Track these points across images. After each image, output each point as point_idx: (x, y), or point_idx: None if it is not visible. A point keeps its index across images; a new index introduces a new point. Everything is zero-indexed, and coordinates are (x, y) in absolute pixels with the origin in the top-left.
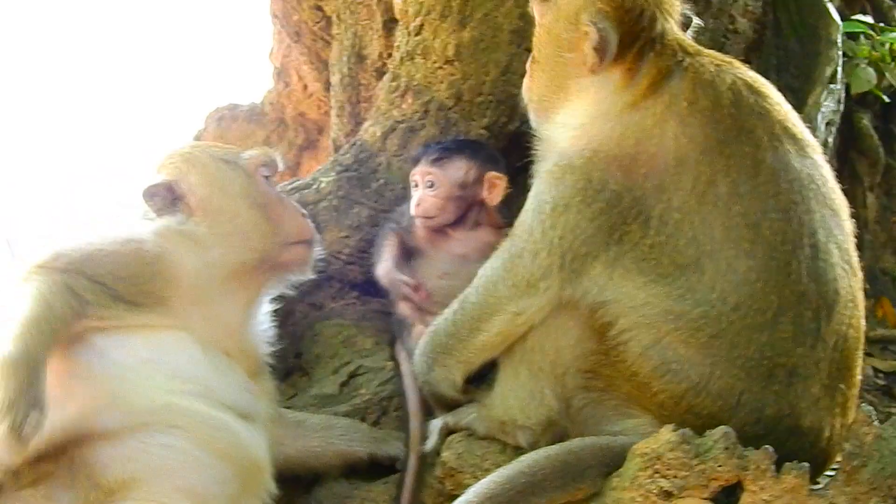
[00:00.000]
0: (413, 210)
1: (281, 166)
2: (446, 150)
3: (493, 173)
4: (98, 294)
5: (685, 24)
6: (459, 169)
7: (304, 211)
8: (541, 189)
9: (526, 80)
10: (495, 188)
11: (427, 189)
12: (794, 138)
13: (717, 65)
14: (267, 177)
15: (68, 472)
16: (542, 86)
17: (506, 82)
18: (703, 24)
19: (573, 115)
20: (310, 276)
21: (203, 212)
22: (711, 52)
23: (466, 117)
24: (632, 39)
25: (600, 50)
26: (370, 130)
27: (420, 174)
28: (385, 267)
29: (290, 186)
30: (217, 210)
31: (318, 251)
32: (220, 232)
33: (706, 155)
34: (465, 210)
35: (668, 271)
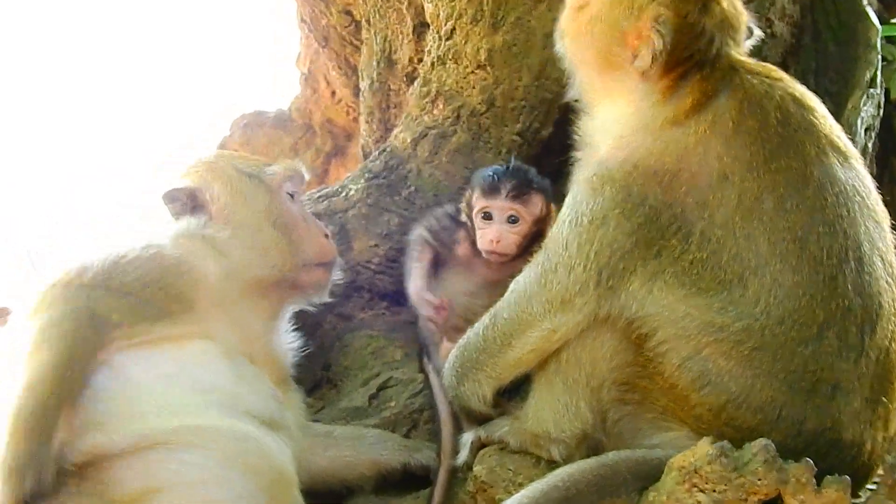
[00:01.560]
0: (488, 245)
1: (307, 178)
2: (527, 184)
3: (554, 206)
4: (125, 311)
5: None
6: (537, 205)
7: (328, 231)
8: (578, 200)
9: (573, 16)
10: (552, 220)
11: (507, 225)
12: (838, 150)
13: (769, 83)
14: (292, 194)
15: (77, 487)
16: (588, 52)
17: (539, 87)
18: (763, 36)
19: (613, 120)
20: (326, 299)
21: (224, 221)
22: (766, 67)
23: (499, 123)
24: (682, 57)
25: (656, 58)
26: (400, 137)
27: (498, 209)
28: (417, 286)
29: (318, 194)
30: (239, 223)
31: (337, 275)
32: (241, 243)
33: (752, 172)
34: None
35: (709, 286)
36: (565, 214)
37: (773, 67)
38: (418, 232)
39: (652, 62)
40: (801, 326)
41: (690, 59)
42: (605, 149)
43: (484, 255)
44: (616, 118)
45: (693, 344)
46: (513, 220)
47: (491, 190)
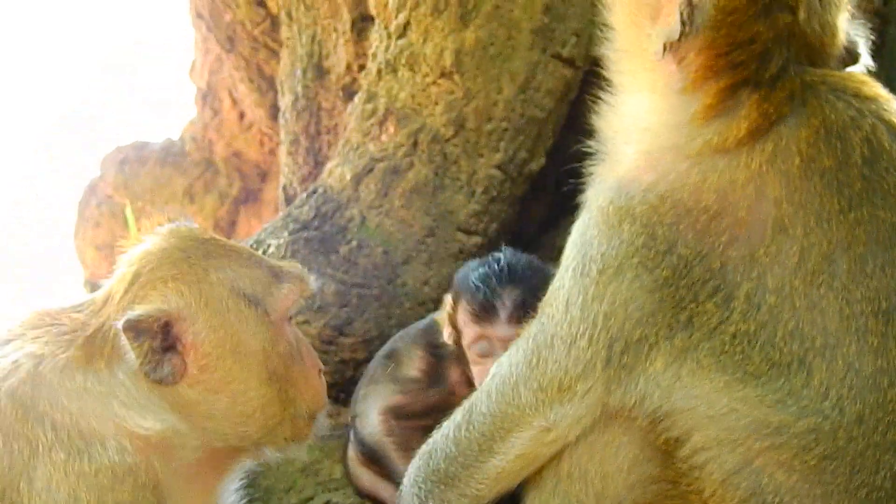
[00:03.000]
0: None
1: (314, 289)
2: (533, 291)
3: None
4: None
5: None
6: None
7: (322, 365)
8: (588, 238)
9: None
10: None
11: None
12: None
13: (857, 106)
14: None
15: None
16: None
17: (526, 102)
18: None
19: (640, 124)
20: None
21: (199, 376)
22: (854, 78)
23: (471, 152)
24: (723, 66)
25: (669, 50)
26: (336, 172)
27: (500, 339)
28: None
29: None
30: (221, 379)
31: (323, 423)
32: (212, 409)
33: (822, 223)
34: None
35: (760, 370)
36: (569, 259)
37: (864, 79)
38: (378, 421)
39: (665, 53)
40: (889, 427)
41: (738, 71)
42: (626, 164)
43: None
44: (644, 122)
45: (741, 451)
46: None
47: (484, 312)
